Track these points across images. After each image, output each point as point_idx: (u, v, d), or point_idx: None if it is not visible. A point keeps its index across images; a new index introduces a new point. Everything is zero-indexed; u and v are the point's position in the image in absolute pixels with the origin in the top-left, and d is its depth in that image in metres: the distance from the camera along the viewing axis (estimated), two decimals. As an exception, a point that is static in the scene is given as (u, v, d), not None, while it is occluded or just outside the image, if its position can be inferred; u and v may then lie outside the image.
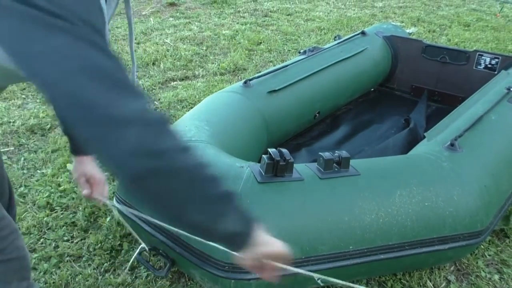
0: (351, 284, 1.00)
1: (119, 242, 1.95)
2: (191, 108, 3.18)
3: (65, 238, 1.98)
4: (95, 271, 1.83)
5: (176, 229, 0.97)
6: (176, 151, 0.76)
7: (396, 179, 1.58)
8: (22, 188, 2.28)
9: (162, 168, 0.74)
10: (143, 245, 1.54)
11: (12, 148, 2.67)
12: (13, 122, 2.93)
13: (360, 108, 3.10)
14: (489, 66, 2.88)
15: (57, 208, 2.16)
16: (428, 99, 3.13)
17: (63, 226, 2.05)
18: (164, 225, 1.31)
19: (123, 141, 0.71)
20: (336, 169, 1.54)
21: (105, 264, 1.86)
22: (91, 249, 1.92)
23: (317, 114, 2.64)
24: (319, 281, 1.44)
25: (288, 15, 6.09)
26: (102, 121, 0.71)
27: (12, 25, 0.69)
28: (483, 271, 1.87)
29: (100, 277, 1.79)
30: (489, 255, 1.96)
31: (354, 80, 2.86)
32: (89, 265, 1.85)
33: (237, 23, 5.55)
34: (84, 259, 1.88)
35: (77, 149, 1.29)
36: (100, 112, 0.70)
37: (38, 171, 2.45)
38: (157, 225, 1.50)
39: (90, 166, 1.29)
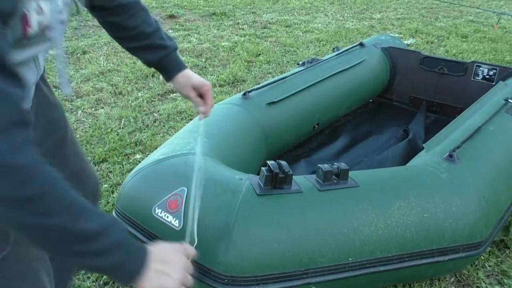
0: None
1: (118, 255, 1.94)
2: (190, 120, 3.19)
3: (64, 251, 1.97)
4: (94, 283, 1.82)
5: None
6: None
7: (395, 190, 1.58)
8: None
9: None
10: None
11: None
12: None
13: (359, 119, 3.11)
14: (487, 77, 2.89)
15: (56, 220, 2.15)
16: (426, 110, 3.15)
17: (62, 238, 2.04)
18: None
19: None
20: (335, 181, 1.54)
21: (104, 277, 1.85)
22: (90, 262, 1.91)
23: (316, 126, 2.65)
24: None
25: (287, 26, 6.14)
26: None
27: None
28: (483, 282, 1.87)
29: (99, 290, 1.79)
30: (490, 266, 1.95)
31: (353, 91, 2.88)
32: (88, 277, 1.84)
33: (236, 34, 5.59)
34: (83, 271, 1.87)
35: (169, 73, 1.27)
36: None
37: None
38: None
39: (193, 77, 1.28)
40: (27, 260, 0.95)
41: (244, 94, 2.29)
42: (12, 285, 0.93)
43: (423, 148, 1.94)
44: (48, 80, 1.18)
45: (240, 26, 6.04)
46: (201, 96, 1.31)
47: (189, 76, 1.28)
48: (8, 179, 0.65)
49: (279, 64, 4.56)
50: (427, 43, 5.56)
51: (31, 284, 0.97)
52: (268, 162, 1.47)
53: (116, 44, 4.92)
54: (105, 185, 2.42)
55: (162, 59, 1.25)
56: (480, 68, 2.92)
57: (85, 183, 1.28)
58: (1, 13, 0.64)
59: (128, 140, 2.92)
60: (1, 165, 0.64)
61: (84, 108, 3.35)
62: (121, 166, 2.61)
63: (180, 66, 1.28)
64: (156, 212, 1.49)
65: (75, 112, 3.30)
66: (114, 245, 0.76)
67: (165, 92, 3.78)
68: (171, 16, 6.30)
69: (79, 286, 1.78)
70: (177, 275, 0.84)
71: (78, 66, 4.25)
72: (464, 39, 5.77)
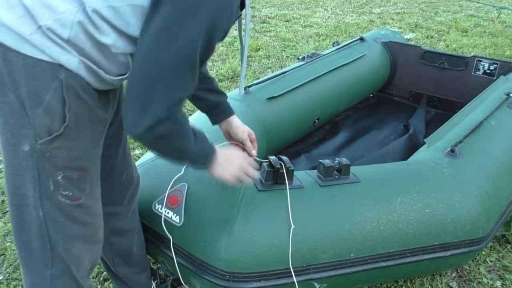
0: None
1: (118, 251, 1.93)
2: (190, 115, 3.17)
3: (64, 247, 1.96)
4: (94, 280, 1.81)
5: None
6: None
7: (396, 186, 1.57)
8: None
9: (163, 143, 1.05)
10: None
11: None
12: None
13: (359, 114, 3.09)
14: (488, 71, 2.88)
15: (56, 216, 2.14)
16: (427, 105, 3.13)
17: (61, 234, 2.03)
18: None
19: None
20: (336, 176, 1.53)
21: (104, 273, 1.85)
22: (90, 258, 1.90)
23: (316, 121, 2.63)
24: (320, 289, 1.44)
25: (286, 21, 6.11)
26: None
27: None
28: (484, 277, 1.86)
29: (99, 286, 1.78)
30: (491, 261, 1.95)
31: (353, 86, 2.86)
32: (88, 274, 1.83)
33: (235, 29, 5.55)
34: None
35: (224, 114, 1.48)
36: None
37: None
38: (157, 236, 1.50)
39: (241, 125, 1.50)
40: (94, 214, 1.15)
41: (244, 89, 2.28)
42: (77, 230, 1.10)
43: (424, 143, 1.93)
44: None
45: (239, 21, 6.01)
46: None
47: (240, 122, 1.49)
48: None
49: (278, 59, 4.54)
50: (427, 37, 5.54)
51: (91, 236, 1.15)
52: (269, 157, 1.46)
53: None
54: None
55: (221, 102, 1.45)
56: (481, 63, 2.91)
57: (131, 166, 1.42)
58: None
59: (127, 135, 2.90)
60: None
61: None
62: (121, 162, 2.59)
63: (232, 111, 1.49)
64: (157, 208, 1.48)
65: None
66: (200, 153, 1.15)
67: (164, 87, 3.76)
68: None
69: (79, 282, 1.78)
70: (233, 171, 1.24)
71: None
72: (464, 34, 5.75)
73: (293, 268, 1.36)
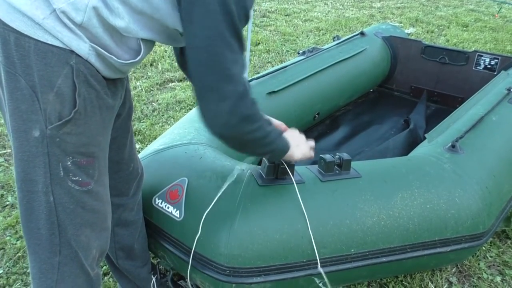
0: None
1: (118, 245, 1.93)
2: (190, 109, 3.17)
3: (64, 241, 1.96)
4: (93, 274, 1.81)
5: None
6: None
7: (397, 181, 1.56)
8: (19, 191, 2.26)
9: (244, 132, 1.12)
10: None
11: (9, 150, 2.65)
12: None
13: (360, 109, 3.09)
14: (489, 66, 2.87)
15: (55, 211, 2.13)
16: (427, 100, 3.13)
17: (61, 229, 2.03)
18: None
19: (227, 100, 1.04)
20: (337, 172, 1.53)
21: (104, 267, 1.84)
22: (89, 253, 1.90)
23: (317, 115, 2.63)
24: (320, 284, 1.43)
25: (286, 15, 6.09)
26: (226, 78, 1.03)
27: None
28: (485, 272, 1.86)
29: (99, 281, 1.77)
30: (491, 257, 1.95)
31: (353, 81, 2.86)
32: (88, 268, 1.83)
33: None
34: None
35: None
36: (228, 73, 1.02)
37: (35, 173, 2.43)
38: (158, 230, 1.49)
39: None
40: (103, 201, 1.15)
41: (244, 83, 2.26)
42: (86, 217, 1.10)
43: (424, 138, 1.92)
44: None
45: (239, 15, 5.98)
46: None
47: None
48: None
49: (278, 53, 4.52)
50: (427, 32, 5.53)
51: (100, 223, 1.16)
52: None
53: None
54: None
55: None
56: (482, 58, 2.90)
57: (137, 158, 1.43)
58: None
59: (127, 129, 2.90)
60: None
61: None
62: (120, 156, 2.58)
63: None
64: (157, 203, 1.48)
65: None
66: (276, 137, 1.24)
67: (164, 82, 3.75)
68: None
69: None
70: (306, 149, 1.39)
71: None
72: (464, 29, 5.73)
73: (293, 263, 1.36)
